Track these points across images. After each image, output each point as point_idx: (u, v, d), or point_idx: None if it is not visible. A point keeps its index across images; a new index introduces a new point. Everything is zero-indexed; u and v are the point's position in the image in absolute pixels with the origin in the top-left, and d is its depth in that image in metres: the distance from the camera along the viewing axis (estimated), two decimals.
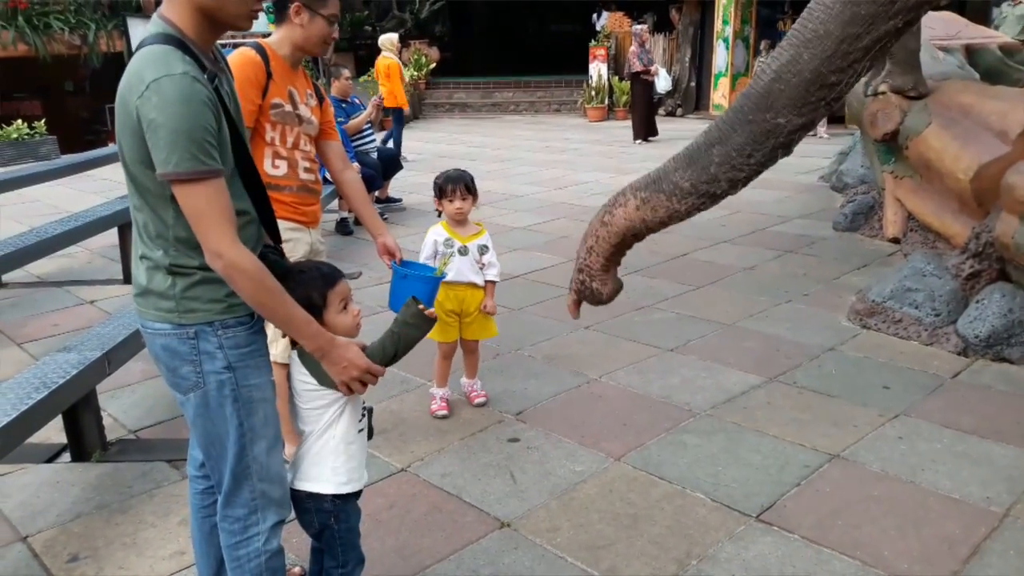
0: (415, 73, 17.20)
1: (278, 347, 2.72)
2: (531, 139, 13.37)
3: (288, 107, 2.81)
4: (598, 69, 16.63)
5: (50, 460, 3.31)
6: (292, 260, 2.25)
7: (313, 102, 2.96)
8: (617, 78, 16.61)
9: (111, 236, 6.14)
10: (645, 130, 12.66)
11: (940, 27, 7.69)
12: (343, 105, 7.34)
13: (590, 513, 2.80)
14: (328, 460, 2.01)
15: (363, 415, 2.10)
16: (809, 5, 1.92)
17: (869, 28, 1.84)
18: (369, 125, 7.79)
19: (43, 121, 12.94)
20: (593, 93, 16.46)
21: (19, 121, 12.60)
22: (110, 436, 3.44)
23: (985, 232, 4.38)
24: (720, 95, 15.19)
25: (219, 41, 1.92)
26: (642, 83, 12.56)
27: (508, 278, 5.18)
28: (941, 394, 3.71)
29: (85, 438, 3.29)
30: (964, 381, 3.85)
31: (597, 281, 2.32)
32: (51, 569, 2.60)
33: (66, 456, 3.32)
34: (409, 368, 4.05)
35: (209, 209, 1.71)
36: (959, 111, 5.50)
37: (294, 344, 1.99)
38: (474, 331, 3.58)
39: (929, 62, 6.39)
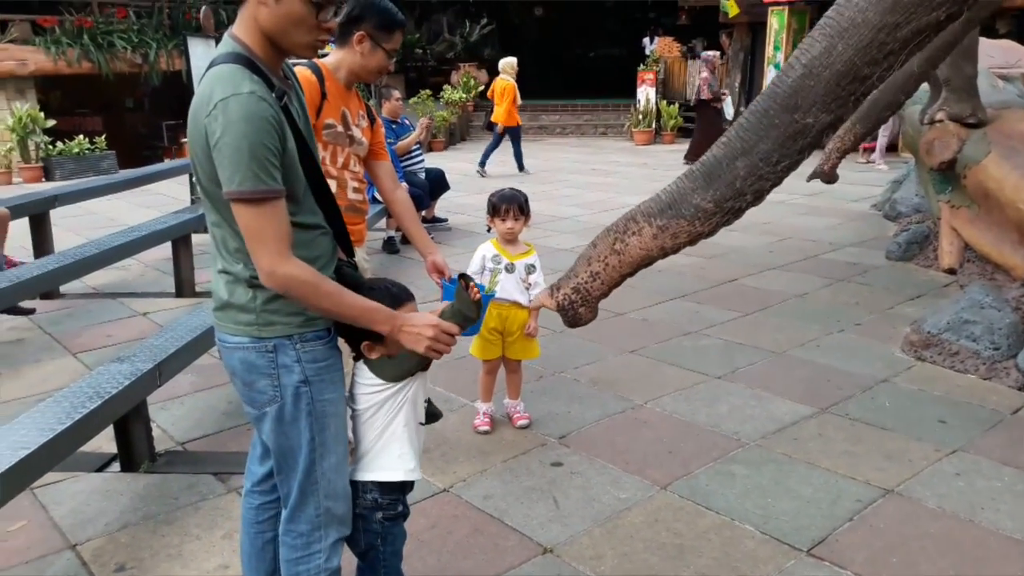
0: (463, 96, 17.36)
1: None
2: (577, 161, 13.37)
3: (340, 128, 2.85)
4: (646, 93, 16.60)
5: (100, 469, 3.36)
6: None
7: (364, 123, 2.99)
8: (665, 102, 16.57)
9: (164, 249, 6.27)
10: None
11: (999, 55, 7.54)
12: (393, 126, 7.43)
13: (635, 542, 2.75)
14: (394, 447, 2.01)
15: (427, 401, 2.11)
16: None
17: (910, 18, 1.76)
18: (418, 145, 7.87)
19: (103, 136, 13.35)
20: (640, 117, 16.43)
21: (81, 136, 13.01)
22: (159, 447, 3.49)
23: None
24: None
25: None
26: (712, 110, 12.44)
27: None
28: (1001, 430, 3.58)
29: (134, 449, 3.34)
30: None
31: (587, 307, 2.20)
32: None
33: (116, 466, 3.37)
34: (453, 387, 4.05)
35: (265, 228, 1.73)
36: (1020, 140, 5.37)
37: (355, 357, 2.01)
38: (516, 351, 3.57)
39: (988, 90, 6.26)
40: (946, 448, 3.40)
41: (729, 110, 13.03)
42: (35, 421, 2.72)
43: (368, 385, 1.99)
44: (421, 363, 1.96)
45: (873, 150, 12.42)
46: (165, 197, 9.87)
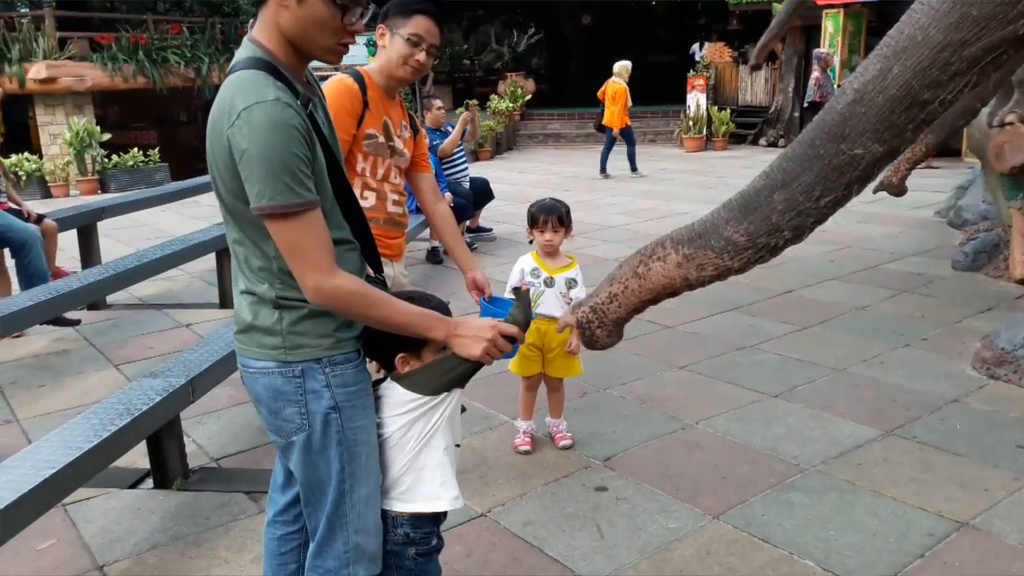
0: (510, 105, 17.28)
1: None
2: (625, 169, 13.14)
3: (381, 138, 2.73)
4: (696, 99, 16.30)
5: (133, 486, 3.30)
6: None
7: (407, 134, 2.87)
8: (716, 108, 16.25)
9: (209, 260, 6.26)
10: None
11: None
12: (435, 143, 7.35)
13: None
14: (435, 474, 1.85)
15: (463, 409, 1.97)
16: (911, 8, 1.62)
17: (980, 34, 1.52)
18: (463, 154, 7.77)
19: (157, 149, 13.59)
20: (691, 123, 16.14)
21: (135, 149, 13.27)
22: (193, 463, 3.41)
23: None
24: None
25: (318, 72, 1.84)
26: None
27: None
28: None
29: (167, 465, 3.27)
30: None
31: (604, 330, 2.04)
32: None
33: (149, 482, 3.30)
34: (493, 403, 3.90)
35: (305, 243, 1.61)
36: None
37: (386, 373, 1.87)
38: (556, 368, 3.41)
39: None
40: None
41: None
42: (63, 439, 2.65)
43: (399, 404, 1.84)
44: (469, 371, 1.80)
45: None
46: (214, 208, 9.90)
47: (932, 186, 10.06)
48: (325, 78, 2.57)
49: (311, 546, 1.86)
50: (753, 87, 17.22)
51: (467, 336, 1.75)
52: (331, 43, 1.70)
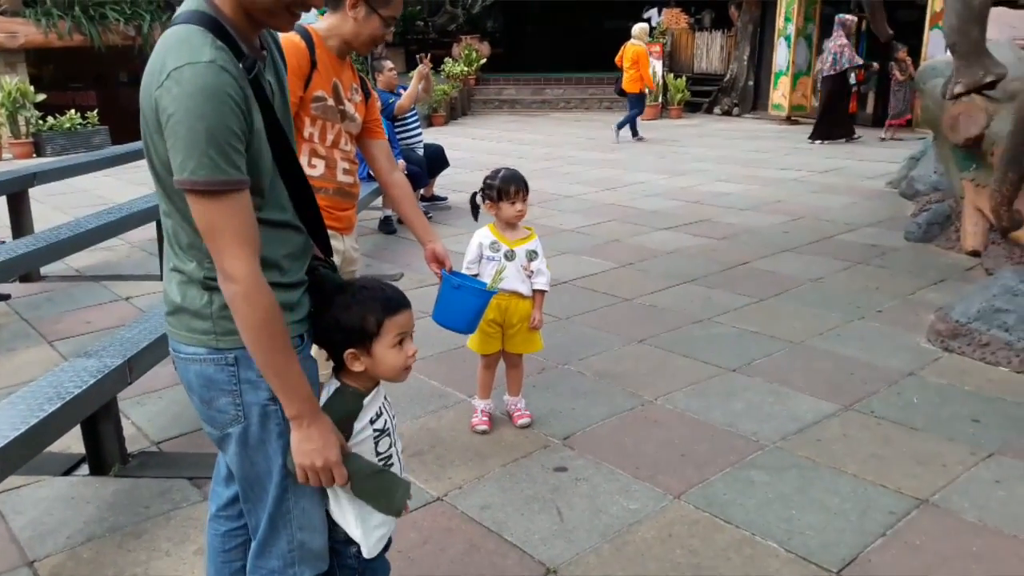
0: (465, 69, 16.96)
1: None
2: (581, 137, 13.03)
3: (331, 101, 2.56)
4: (652, 66, 16.16)
5: (67, 472, 3.11)
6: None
7: (358, 97, 2.70)
8: (672, 75, 16.16)
9: (150, 229, 6.00)
10: (843, 130, 11.80)
11: (1022, 25, 7.19)
12: (390, 101, 7.12)
13: (647, 561, 2.49)
14: (352, 509, 1.72)
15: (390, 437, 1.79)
16: None
17: None
18: (416, 118, 7.55)
19: (96, 111, 13.01)
20: (647, 90, 16.01)
21: (72, 111, 12.68)
22: (131, 447, 3.24)
23: None
24: (780, 94, 14.60)
25: None
26: (841, 78, 11.47)
27: (555, 284, 4.87)
28: None
29: (104, 450, 3.09)
30: None
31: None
32: None
33: (84, 468, 3.12)
34: (450, 381, 3.79)
35: (226, 226, 1.45)
36: None
37: (335, 370, 1.74)
38: (517, 344, 3.30)
39: (1015, 62, 5.91)
40: (982, 451, 3.13)
41: (852, 77, 11.71)
42: None
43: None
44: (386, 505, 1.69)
45: (899, 126, 11.99)
46: None
47: (885, 155, 10.16)
48: None
49: (252, 545, 1.74)
50: (708, 55, 17.16)
51: (306, 442, 1.56)
52: (276, 5, 1.53)
